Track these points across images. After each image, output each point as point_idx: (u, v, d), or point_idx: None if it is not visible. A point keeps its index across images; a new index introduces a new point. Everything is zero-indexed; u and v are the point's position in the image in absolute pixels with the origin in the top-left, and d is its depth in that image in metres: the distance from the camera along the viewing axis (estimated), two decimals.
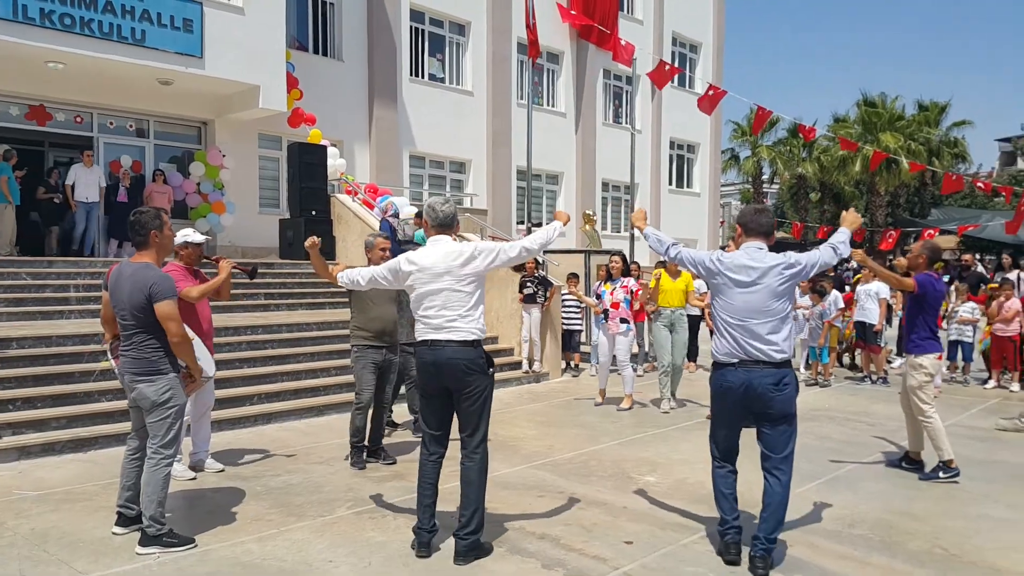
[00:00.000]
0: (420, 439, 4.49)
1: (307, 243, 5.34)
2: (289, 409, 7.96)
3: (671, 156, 25.77)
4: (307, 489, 5.54)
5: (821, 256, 4.30)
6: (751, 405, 4.11)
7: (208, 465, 6.04)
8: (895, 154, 28.46)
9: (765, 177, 38.36)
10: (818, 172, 35.07)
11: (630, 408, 8.67)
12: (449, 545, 4.31)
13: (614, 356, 8.77)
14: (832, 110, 58.02)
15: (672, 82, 24.94)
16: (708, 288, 4.48)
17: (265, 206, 15.54)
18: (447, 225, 4.37)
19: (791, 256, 4.22)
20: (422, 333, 4.24)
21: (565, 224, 4.49)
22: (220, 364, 7.78)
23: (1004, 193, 15.58)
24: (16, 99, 12.76)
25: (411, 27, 17.95)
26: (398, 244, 11.42)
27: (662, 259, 7.95)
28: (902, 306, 10.44)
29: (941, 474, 5.84)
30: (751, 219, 4.28)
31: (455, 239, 4.36)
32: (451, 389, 4.19)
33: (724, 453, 4.35)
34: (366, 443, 6.27)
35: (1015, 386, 10.02)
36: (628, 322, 8.76)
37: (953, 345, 10.75)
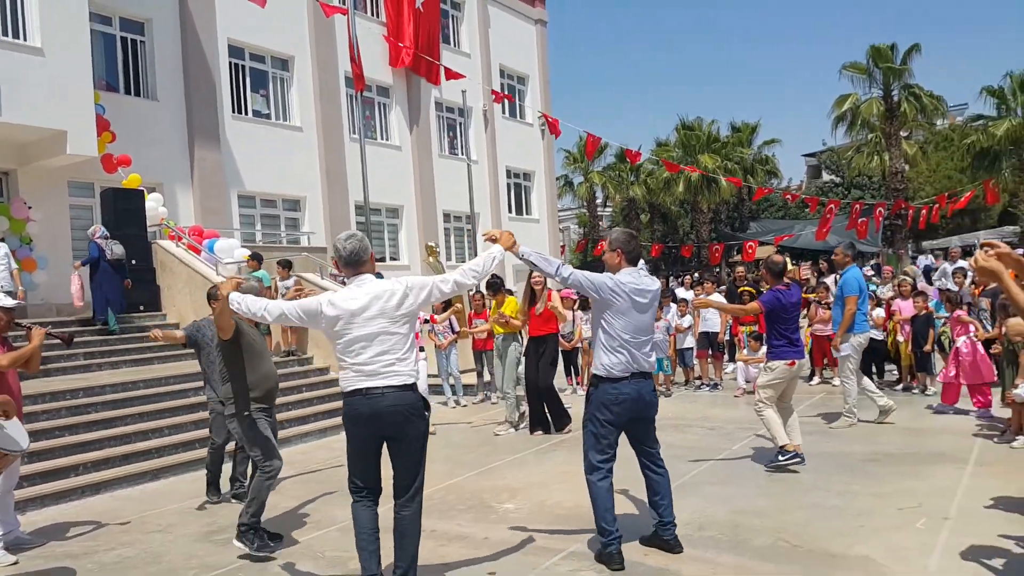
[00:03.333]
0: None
1: (152, 335, 5.79)
2: (120, 476, 7.31)
3: (508, 184, 26.35)
4: (144, 561, 5.09)
5: None
6: (637, 411, 4.53)
7: (34, 543, 5.56)
8: (713, 173, 30.56)
9: (599, 201, 40.14)
10: (646, 194, 37.12)
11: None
12: None
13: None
14: (654, 135, 61.71)
15: (503, 112, 25.72)
16: (596, 307, 4.58)
17: (80, 258, 14.32)
18: (356, 263, 4.02)
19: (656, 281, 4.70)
20: (353, 381, 3.89)
21: (508, 248, 4.28)
22: (38, 434, 7.05)
23: (810, 203, 17.15)
24: None
25: (230, 63, 17.30)
26: (109, 264, 11.49)
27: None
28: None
29: (780, 457, 6.34)
30: (633, 247, 4.62)
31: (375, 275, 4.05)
32: (387, 438, 3.92)
33: (609, 461, 4.54)
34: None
35: (836, 380, 10.84)
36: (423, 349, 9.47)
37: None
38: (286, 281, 11.35)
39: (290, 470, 7.64)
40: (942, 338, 10.25)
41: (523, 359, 9.00)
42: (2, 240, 10.98)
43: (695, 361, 11.47)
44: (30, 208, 13.06)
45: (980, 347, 8.30)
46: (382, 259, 20.55)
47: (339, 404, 9.95)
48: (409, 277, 4.04)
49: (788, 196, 29.38)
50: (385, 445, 3.99)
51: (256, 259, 11.42)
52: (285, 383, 10.26)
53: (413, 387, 3.93)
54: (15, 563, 5.19)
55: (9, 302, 5.36)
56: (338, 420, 9.60)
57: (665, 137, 38.69)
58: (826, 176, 46.39)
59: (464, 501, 6.07)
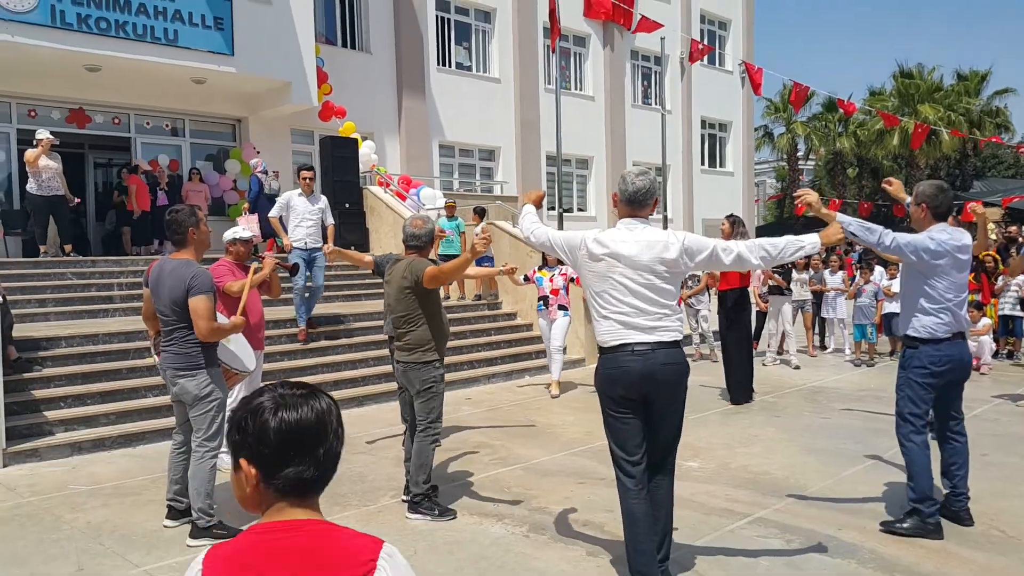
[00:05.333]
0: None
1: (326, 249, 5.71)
2: None
3: (703, 136, 25.44)
4: (350, 479, 5.61)
5: None
6: (957, 374, 4.40)
7: None
8: (935, 125, 27.69)
9: (800, 153, 37.68)
10: (855, 147, 34.30)
11: (558, 396, 8.59)
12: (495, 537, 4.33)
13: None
14: (867, 83, 56.71)
15: (702, 60, 24.67)
16: (920, 269, 4.31)
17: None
18: (640, 203, 3.56)
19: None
20: (619, 335, 3.48)
21: (830, 243, 3.67)
22: (264, 357, 7.89)
23: None
24: (57, 103, 13.04)
25: (437, 16, 17.93)
26: (267, 199, 12.18)
27: None
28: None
29: None
30: (940, 201, 4.37)
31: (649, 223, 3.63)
32: (653, 400, 3.52)
33: (925, 424, 4.46)
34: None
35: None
36: (566, 308, 8.72)
37: (1004, 320, 10.35)
38: (477, 227, 11.82)
39: (479, 407, 8.07)
40: None
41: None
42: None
43: None
44: (258, 153, 14.42)
45: None
46: (569, 210, 20.70)
47: (525, 349, 10.39)
48: (688, 233, 3.62)
49: (1021, 150, 26.00)
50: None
51: (479, 213, 11.98)
52: (475, 326, 10.77)
53: (680, 344, 3.56)
54: None
55: (247, 234, 5.94)
56: (524, 364, 9.98)
57: (880, 85, 35.41)
58: None
59: None
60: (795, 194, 4.09)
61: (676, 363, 3.49)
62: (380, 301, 10.54)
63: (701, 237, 3.60)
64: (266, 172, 13.06)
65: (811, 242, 3.55)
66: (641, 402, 3.51)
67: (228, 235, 5.81)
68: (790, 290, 10.63)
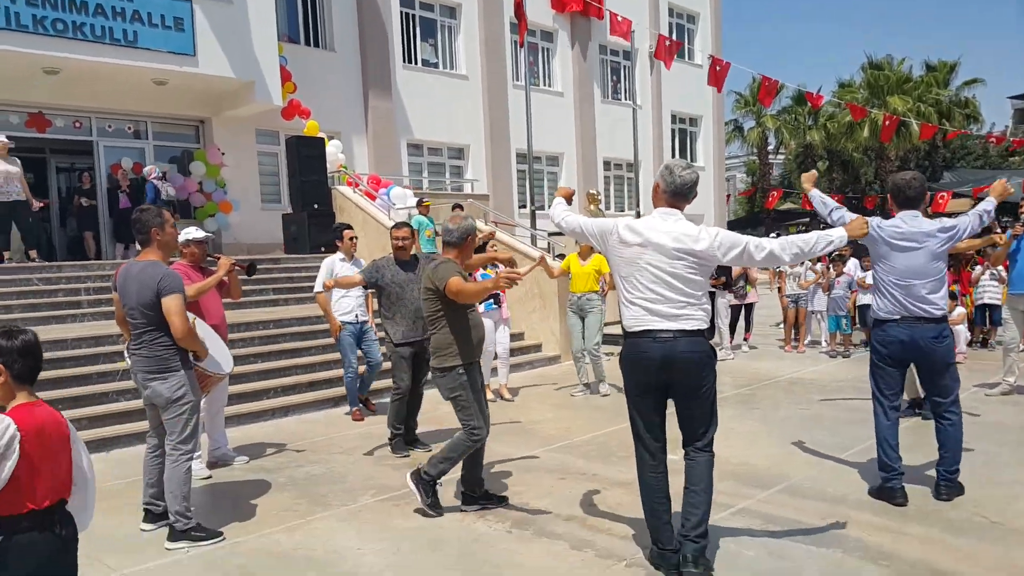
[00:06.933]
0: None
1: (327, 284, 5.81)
2: (307, 401, 7.96)
3: (673, 130, 25.53)
4: (330, 479, 5.52)
5: (971, 222, 4.66)
6: (911, 355, 4.58)
7: (236, 460, 6.07)
8: (904, 116, 28.04)
9: (771, 147, 38.02)
10: (825, 140, 34.57)
11: (512, 400, 8.27)
12: (481, 533, 4.27)
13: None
14: (836, 75, 57.36)
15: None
16: (870, 252, 4.74)
17: (267, 202, 15.47)
18: (683, 195, 3.67)
19: (946, 221, 4.63)
20: (642, 321, 3.55)
21: (855, 235, 3.87)
22: (236, 360, 7.74)
23: (1018, 146, 15.50)
24: (15, 107, 12.70)
25: (401, 12, 17.77)
26: (163, 205, 12.00)
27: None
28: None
29: None
30: (898, 191, 4.62)
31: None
32: (676, 387, 3.60)
33: (890, 399, 4.71)
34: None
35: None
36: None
37: (981, 309, 10.41)
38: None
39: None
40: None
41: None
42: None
43: None
44: (223, 154, 14.20)
45: None
46: (541, 207, 20.69)
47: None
48: (720, 229, 3.64)
49: (992, 139, 26.47)
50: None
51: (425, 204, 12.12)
52: None
53: (704, 332, 3.59)
54: (208, 477, 5.72)
55: (200, 234, 5.83)
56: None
57: (849, 77, 35.74)
58: None
59: (624, 448, 6.02)
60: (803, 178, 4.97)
61: (697, 351, 3.54)
62: None
63: (735, 234, 3.65)
64: (160, 178, 12.99)
65: (839, 236, 3.69)
66: (663, 387, 3.61)
67: (181, 237, 5.64)
68: (728, 286, 10.67)
